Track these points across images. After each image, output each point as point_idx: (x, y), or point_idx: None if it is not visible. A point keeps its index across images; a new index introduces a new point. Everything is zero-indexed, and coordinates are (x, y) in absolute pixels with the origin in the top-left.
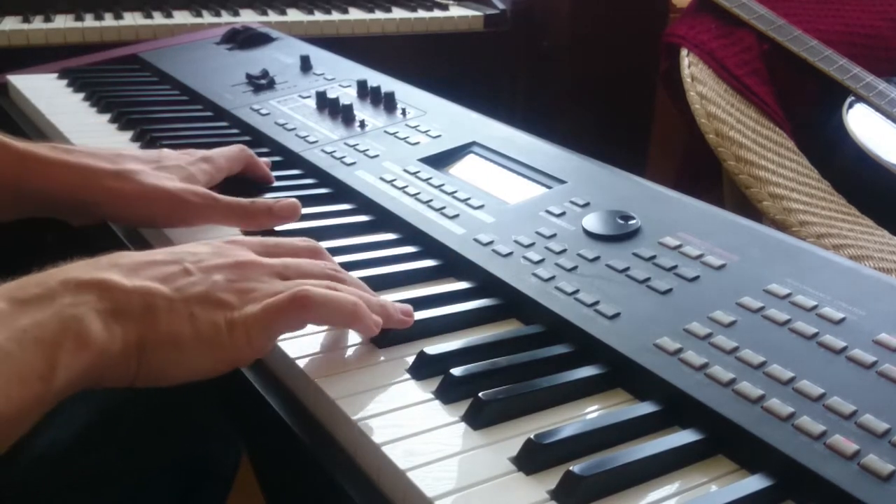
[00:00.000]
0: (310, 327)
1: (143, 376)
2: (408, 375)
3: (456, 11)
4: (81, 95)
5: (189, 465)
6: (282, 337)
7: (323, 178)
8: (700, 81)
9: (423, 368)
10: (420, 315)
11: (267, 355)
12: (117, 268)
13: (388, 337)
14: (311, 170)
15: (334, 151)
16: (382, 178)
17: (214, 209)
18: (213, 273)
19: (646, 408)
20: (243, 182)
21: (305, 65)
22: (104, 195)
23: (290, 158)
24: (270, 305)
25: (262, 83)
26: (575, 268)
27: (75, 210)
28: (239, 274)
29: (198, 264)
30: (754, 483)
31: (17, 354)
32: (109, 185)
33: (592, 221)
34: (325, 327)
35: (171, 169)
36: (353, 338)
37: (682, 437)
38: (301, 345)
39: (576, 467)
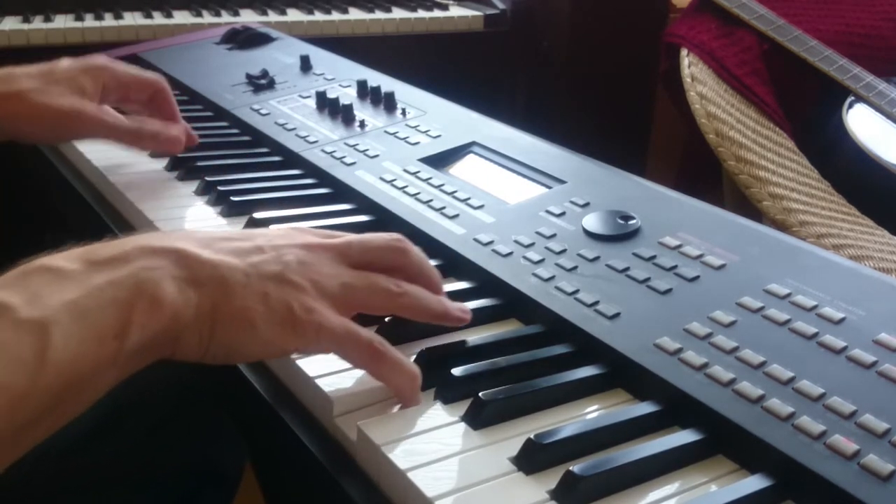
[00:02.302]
0: None
1: (214, 351)
2: None
3: (456, 11)
4: None
5: (194, 469)
6: None
7: (323, 178)
8: (700, 81)
9: (424, 368)
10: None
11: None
12: (192, 240)
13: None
14: (311, 170)
15: (334, 151)
16: (382, 178)
17: (102, 125)
18: (285, 253)
19: (646, 408)
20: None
21: (305, 65)
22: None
23: (290, 158)
24: (351, 331)
25: (262, 83)
26: (575, 268)
27: None
28: (309, 256)
29: (270, 243)
30: (754, 483)
31: (94, 312)
32: (2, 109)
33: (592, 221)
34: None
35: (62, 82)
36: None
37: (682, 437)
38: None
39: (576, 467)
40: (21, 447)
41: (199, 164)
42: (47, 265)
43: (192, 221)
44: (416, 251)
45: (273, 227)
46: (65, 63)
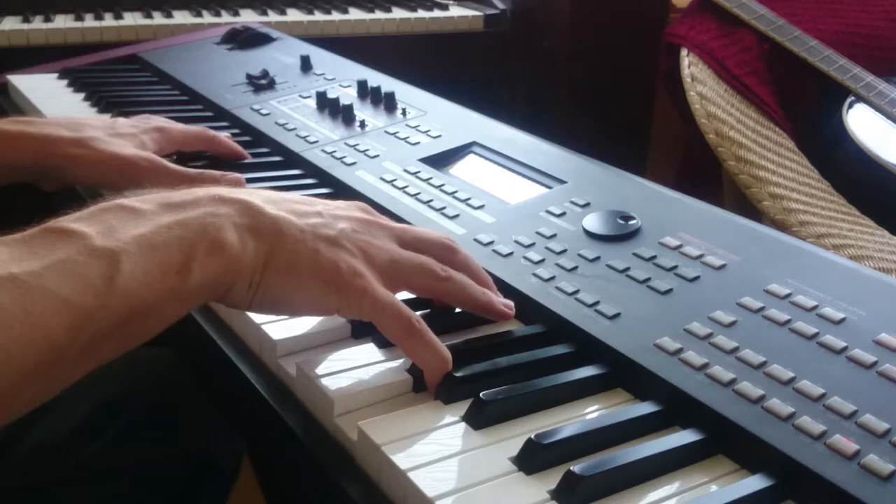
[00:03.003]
0: (308, 327)
1: (260, 298)
2: (408, 376)
3: (456, 11)
4: (81, 95)
5: (190, 462)
6: (280, 337)
7: (323, 178)
8: (700, 81)
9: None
10: (418, 315)
11: (271, 351)
12: (259, 195)
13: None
14: (311, 170)
15: (334, 151)
16: (383, 178)
17: (164, 174)
18: (341, 221)
19: (646, 408)
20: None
21: (305, 65)
22: (66, 161)
23: (290, 158)
24: (392, 303)
25: (262, 83)
26: (575, 268)
27: (41, 176)
28: (364, 228)
29: (329, 211)
30: (754, 483)
31: (160, 247)
32: (70, 152)
33: (592, 221)
34: (325, 327)
35: (125, 136)
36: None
37: (683, 437)
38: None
39: (576, 467)
40: (84, 366)
41: (199, 164)
42: (124, 204)
43: None
44: (465, 253)
45: (338, 201)
46: (123, 121)
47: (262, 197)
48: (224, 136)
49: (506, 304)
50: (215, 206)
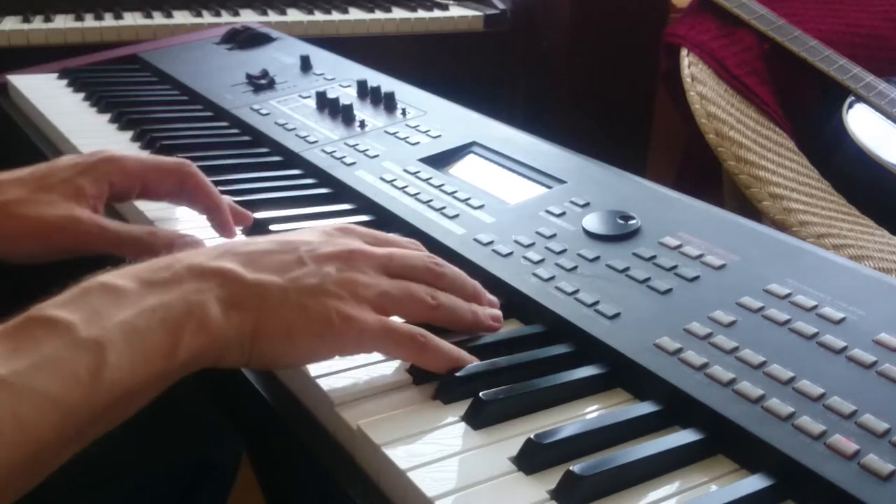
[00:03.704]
0: None
1: (255, 360)
2: (408, 376)
3: (456, 11)
4: (81, 95)
5: (189, 464)
6: None
7: (323, 178)
8: (700, 81)
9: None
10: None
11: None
12: (237, 258)
13: None
14: (311, 170)
15: (334, 151)
16: (382, 178)
17: (104, 239)
18: (325, 264)
19: (646, 408)
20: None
21: (305, 65)
22: None
23: (290, 158)
24: (391, 330)
25: (262, 83)
26: (575, 268)
27: None
28: (349, 265)
29: (311, 254)
30: (754, 483)
31: (145, 332)
32: None
33: (592, 221)
34: None
35: (55, 187)
36: None
37: (682, 436)
38: None
39: (576, 467)
40: (63, 457)
41: (199, 164)
42: (106, 283)
43: (192, 221)
44: (451, 273)
45: (320, 225)
46: (62, 162)
47: (242, 258)
48: (206, 181)
49: (493, 315)
50: (197, 281)
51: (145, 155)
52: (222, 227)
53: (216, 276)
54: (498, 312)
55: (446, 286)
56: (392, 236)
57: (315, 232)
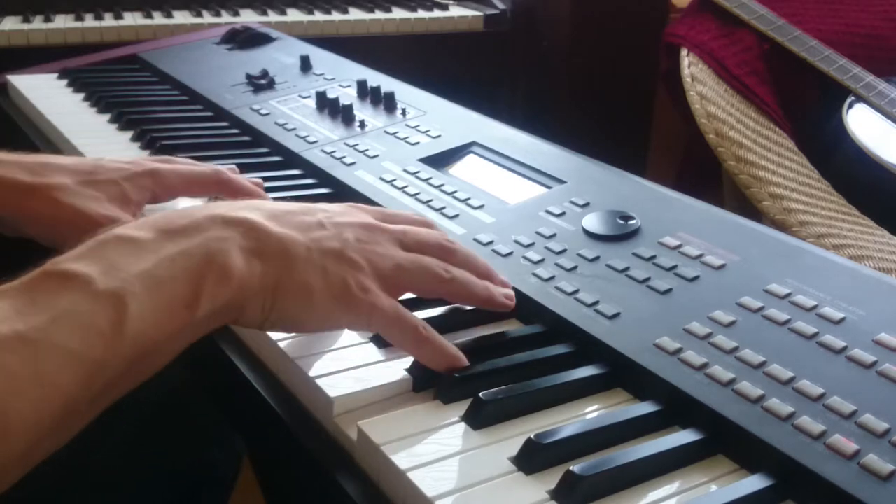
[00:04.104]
0: None
1: (273, 319)
2: (408, 376)
3: (456, 11)
4: (81, 95)
5: (189, 469)
6: (279, 336)
7: (323, 178)
8: (700, 81)
9: (424, 369)
10: (418, 315)
11: (267, 351)
12: (260, 211)
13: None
14: (311, 170)
15: (334, 151)
16: (382, 178)
17: None
18: (344, 230)
19: (646, 408)
20: None
21: (305, 65)
22: (18, 214)
23: (290, 158)
24: (400, 316)
25: (262, 83)
26: (575, 268)
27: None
28: (367, 235)
29: (331, 219)
30: (754, 483)
31: (166, 281)
32: (22, 203)
33: (592, 221)
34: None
35: (101, 185)
36: (352, 337)
37: (682, 437)
38: (300, 344)
39: (576, 467)
40: (94, 412)
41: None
42: (122, 235)
43: None
44: (463, 250)
45: (335, 204)
46: (108, 164)
47: (264, 212)
48: (241, 178)
49: (507, 294)
50: (218, 229)
51: (181, 167)
52: None
53: (239, 224)
54: (511, 292)
55: (458, 263)
56: (404, 213)
57: (330, 205)
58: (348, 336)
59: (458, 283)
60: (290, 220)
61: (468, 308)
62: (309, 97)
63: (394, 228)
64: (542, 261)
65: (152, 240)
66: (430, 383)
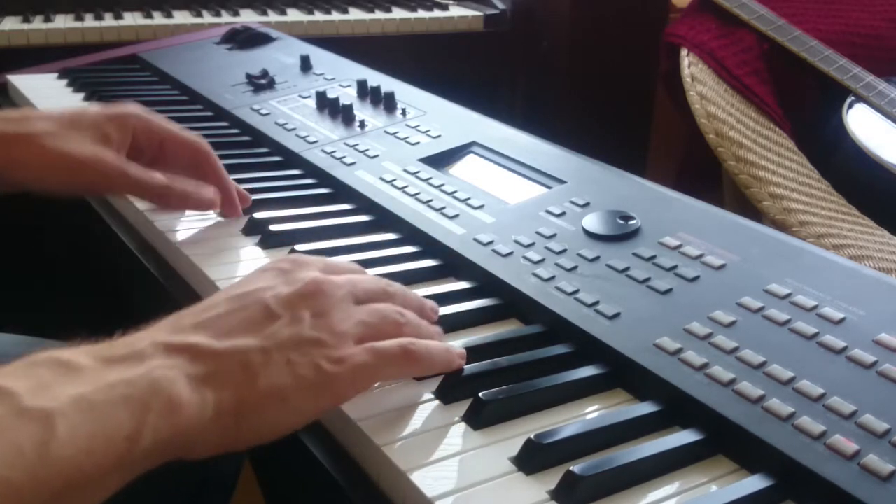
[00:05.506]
0: None
1: (246, 437)
2: (411, 379)
3: (456, 11)
4: (81, 95)
5: (189, 473)
6: None
7: (323, 178)
8: (700, 81)
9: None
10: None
11: None
12: (203, 328)
13: None
14: (311, 170)
15: (334, 151)
16: (382, 178)
17: (124, 177)
18: (296, 307)
19: (646, 408)
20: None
21: (305, 65)
22: (6, 163)
23: (290, 158)
24: (381, 353)
25: (262, 83)
26: (575, 268)
27: None
28: (321, 303)
29: (277, 300)
30: (754, 483)
31: (104, 408)
32: (10, 154)
33: (592, 221)
34: None
35: (84, 128)
36: None
37: (682, 437)
38: None
39: (576, 467)
40: None
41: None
42: (57, 357)
43: (190, 222)
44: (401, 290)
45: (269, 263)
46: (92, 109)
47: (207, 327)
48: (218, 161)
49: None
50: (161, 358)
51: (169, 122)
52: (230, 206)
53: (185, 350)
54: (439, 329)
55: (400, 304)
56: (339, 262)
57: (268, 274)
58: None
59: (411, 326)
60: (235, 324)
61: (468, 308)
62: (309, 97)
63: (342, 281)
64: (542, 261)
65: (90, 366)
66: (430, 377)
